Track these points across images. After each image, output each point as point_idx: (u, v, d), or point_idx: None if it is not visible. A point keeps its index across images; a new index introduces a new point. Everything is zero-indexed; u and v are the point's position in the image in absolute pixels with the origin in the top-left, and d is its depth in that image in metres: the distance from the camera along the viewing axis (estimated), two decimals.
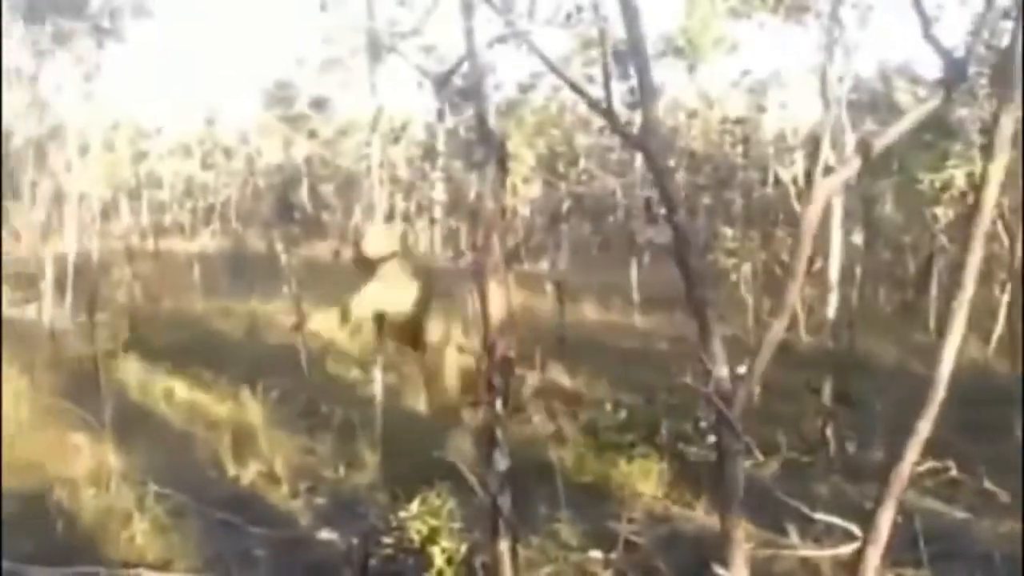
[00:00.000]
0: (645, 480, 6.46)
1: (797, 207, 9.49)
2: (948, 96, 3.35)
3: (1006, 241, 10.15)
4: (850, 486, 6.35)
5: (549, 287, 13.73)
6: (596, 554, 5.04)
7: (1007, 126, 2.89)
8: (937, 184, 9.82)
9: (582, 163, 13.99)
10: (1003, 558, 5.25)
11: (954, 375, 8.93)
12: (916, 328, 11.65)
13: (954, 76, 3.31)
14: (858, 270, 11.02)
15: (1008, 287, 10.11)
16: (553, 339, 10.90)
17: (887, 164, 10.84)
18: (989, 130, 3.01)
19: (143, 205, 22.71)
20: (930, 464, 6.65)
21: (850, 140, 8.20)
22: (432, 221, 16.29)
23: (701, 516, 6.02)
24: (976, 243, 2.97)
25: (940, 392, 3.01)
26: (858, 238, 10.83)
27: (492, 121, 3.96)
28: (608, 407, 7.26)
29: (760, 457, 4.20)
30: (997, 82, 2.98)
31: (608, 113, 3.49)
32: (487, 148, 3.91)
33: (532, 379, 9.04)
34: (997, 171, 2.93)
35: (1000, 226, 9.67)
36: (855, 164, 3.52)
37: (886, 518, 3.09)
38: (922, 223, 11.57)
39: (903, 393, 7.91)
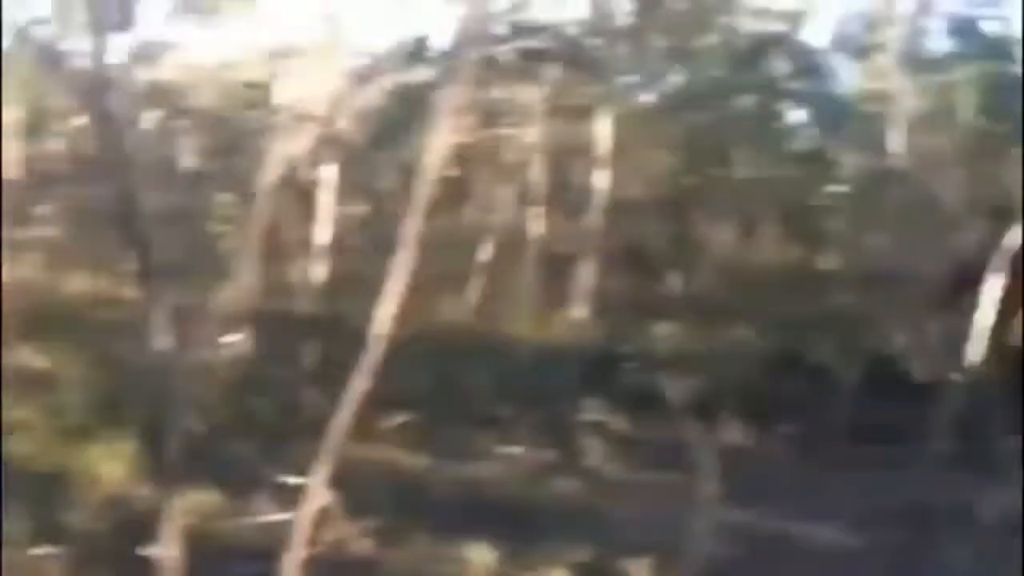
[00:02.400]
0: (110, 462, 6.05)
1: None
2: (408, 70, 3.50)
3: None
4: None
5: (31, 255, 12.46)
6: (43, 550, 4.64)
7: (448, 102, 3.07)
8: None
9: (79, 120, 12.82)
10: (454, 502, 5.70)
11: (429, 332, 9.43)
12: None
13: (416, 53, 3.45)
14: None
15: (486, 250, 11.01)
16: (28, 316, 9.80)
17: (388, 136, 11.34)
18: None
19: None
20: (401, 418, 7.21)
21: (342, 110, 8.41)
22: None
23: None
24: (417, 207, 3.15)
25: (375, 351, 3.17)
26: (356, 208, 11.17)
27: None
28: (73, 388, 6.75)
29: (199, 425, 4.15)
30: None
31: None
32: None
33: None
34: (438, 143, 3.12)
35: None
36: (313, 130, 3.59)
37: (319, 475, 3.22)
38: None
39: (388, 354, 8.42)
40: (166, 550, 3.14)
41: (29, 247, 12.29)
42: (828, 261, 12.18)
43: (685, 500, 4.66)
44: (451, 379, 7.91)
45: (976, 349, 5.75)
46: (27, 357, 8.34)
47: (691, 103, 12.46)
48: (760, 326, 9.31)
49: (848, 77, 16.70)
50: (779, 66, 14.47)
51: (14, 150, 13.07)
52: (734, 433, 6.99)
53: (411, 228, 3.25)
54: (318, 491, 3.33)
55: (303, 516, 3.31)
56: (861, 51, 16.24)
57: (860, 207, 11.66)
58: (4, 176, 11.27)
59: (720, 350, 8.67)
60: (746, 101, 13.34)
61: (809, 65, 14.93)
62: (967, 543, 4.89)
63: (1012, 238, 5.69)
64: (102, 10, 3.28)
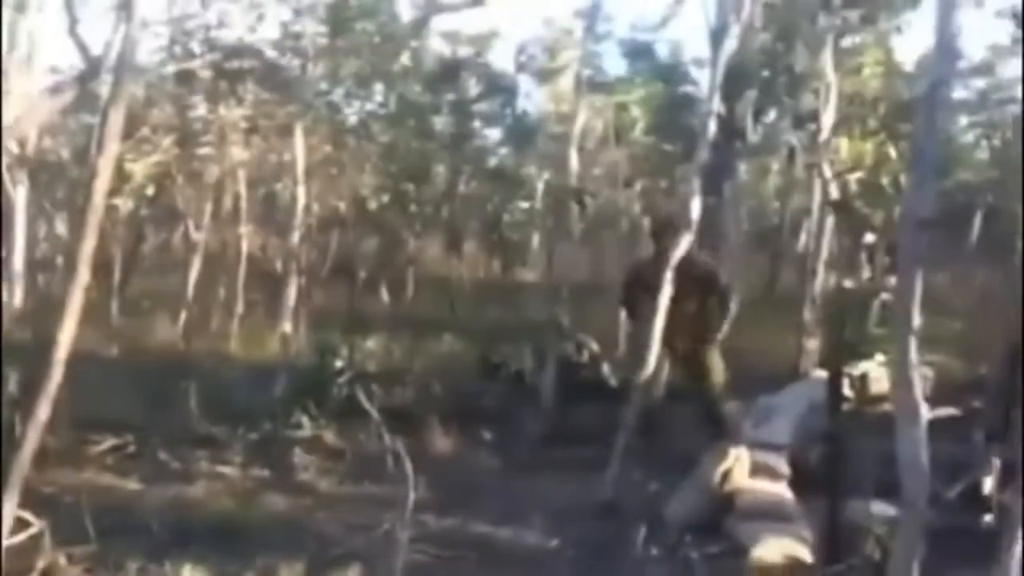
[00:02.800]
0: None
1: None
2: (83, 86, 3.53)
3: None
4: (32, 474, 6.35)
5: None
6: None
7: (113, 121, 3.20)
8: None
9: None
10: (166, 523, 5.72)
11: (143, 353, 9.30)
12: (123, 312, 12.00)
13: (90, 71, 3.53)
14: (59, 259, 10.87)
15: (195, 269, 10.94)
16: None
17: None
18: None
19: None
20: (112, 442, 7.09)
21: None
22: None
23: None
24: (87, 229, 3.28)
25: (55, 376, 3.26)
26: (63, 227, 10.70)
27: None
28: None
29: None
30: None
31: None
32: None
33: None
34: (105, 164, 3.26)
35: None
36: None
37: (9, 499, 3.26)
38: None
39: (93, 377, 8.16)
40: None
41: None
42: (525, 273, 13.07)
43: (393, 510, 4.87)
44: (162, 400, 7.84)
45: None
46: None
47: (389, 122, 12.95)
48: (465, 337, 9.90)
49: (535, 98, 17.95)
50: (470, 87, 15.35)
51: None
52: (441, 441, 7.40)
53: (85, 248, 3.35)
54: (7, 521, 3.37)
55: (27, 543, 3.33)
56: (544, 74, 17.52)
57: (549, 221, 12.60)
58: None
59: (426, 361, 9.15)
60: (441, 121, 14.04)
61: (497, 86, 15.93)
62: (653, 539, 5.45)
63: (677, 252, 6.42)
64: None
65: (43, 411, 3.23)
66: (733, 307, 7.35)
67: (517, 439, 7.51)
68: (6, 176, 8.66)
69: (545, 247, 12.46)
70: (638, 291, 7.11)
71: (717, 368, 7.28)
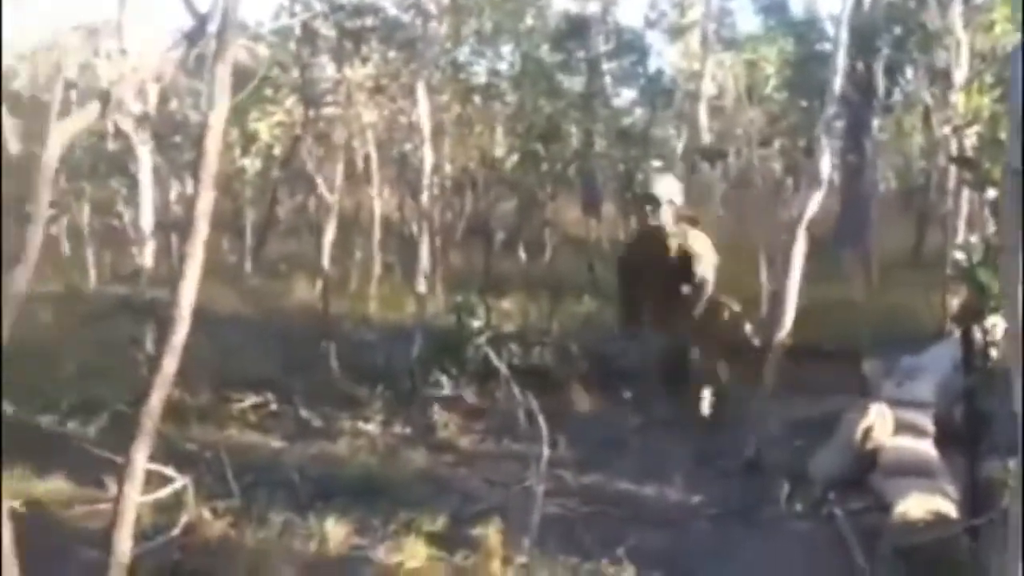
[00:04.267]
0: None
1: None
2: (193, 45, 3.50)
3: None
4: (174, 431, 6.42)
5: None
6: None
7: (221, 77, 3.11)
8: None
9: None
10: (309, 479, 5.69)
11: (282, 314, 9.47)
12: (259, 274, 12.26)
13: (197, 30, 3.44)
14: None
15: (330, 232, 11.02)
16: None
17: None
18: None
19: None
20: (253, 400, 7.15)
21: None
22: None
23: None
24: (202, 186, 3.16)
25: (180, 333, 3.14)
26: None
27: None
28: None
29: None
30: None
31: None
32: None
33: None
34: (217, 119, 3.15)
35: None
36: (92, 111, 3.48)
37: (140, 456, 3.17)
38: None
39: (233, 337, 8.31)
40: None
41: None
42: None
43: (533, 467, 4.74)
44: (302, 360, 7.88)
45: None
46: None
47: (516, 81, 12.70)
48: (603, 297, 9.65)
49: (666, 56, 17.41)
50: (598, 45, 14.93)
51: None
52: (581, 400, 7.21)
53: (202, 203, 3.22)
54: (139, 472, 3.27)
55: (128, 499, 3.23)
56: (674, 30, 16.96)
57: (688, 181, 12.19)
58: None
59: (564, 322, 8.95)
60: (570, 80, 13.70)
61: (627, 44, 15.47)
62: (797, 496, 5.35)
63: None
64: None
65: (169, 365, 3.11)
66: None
67: (657, 397, 7.21)
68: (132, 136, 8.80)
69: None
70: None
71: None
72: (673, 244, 6.98)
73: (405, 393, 7.28)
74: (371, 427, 6.81)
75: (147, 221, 7.73)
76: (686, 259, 6.96)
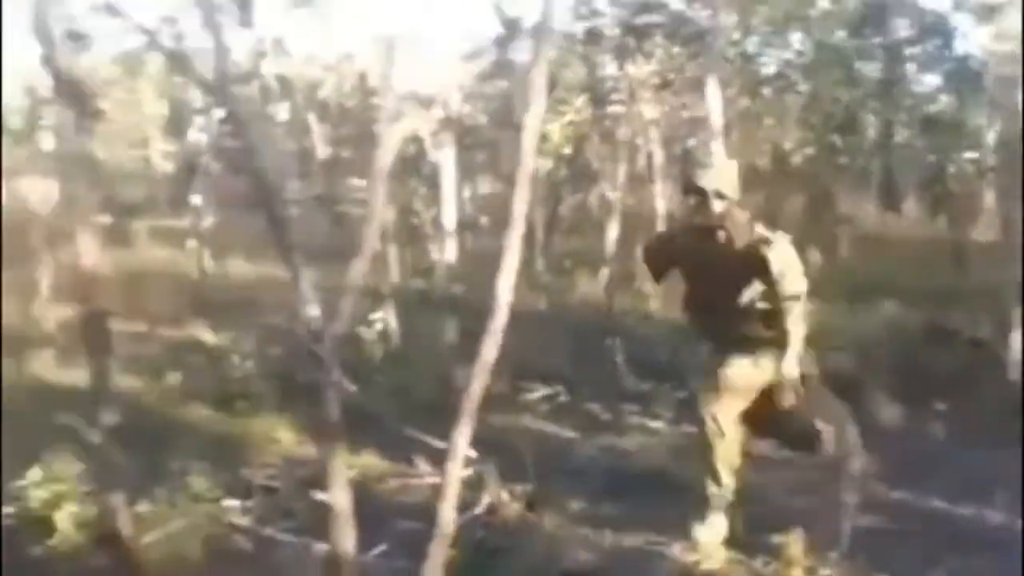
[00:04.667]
0: (281, 429, 6.55)
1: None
2: (502, 50, 3.70)
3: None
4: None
5: (192, 243, 13.28)
6: (231, 502, 5.03)
7: (537, 80, 3.24)
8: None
9: (219, 113, 13.53)
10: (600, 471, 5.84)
11: (568, 309, 9.73)
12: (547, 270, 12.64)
13: (508, 33, 3.63)
14: (484, 218, 11.70)
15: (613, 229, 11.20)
16: (196, 295, 10.67)
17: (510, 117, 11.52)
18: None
19: None
20: (543, 391, 7.42)
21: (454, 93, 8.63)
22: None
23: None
24: (520, 186, 3.31)
25: (499, 320, 3.33)
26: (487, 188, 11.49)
27: (87, 67, 3.78)
28: (236, 359, 7.28)
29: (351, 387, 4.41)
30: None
31: (180, 62, 3.45)
32: (66, 94, 3.72)
33: (169, 333, 8.76)
34: (532, 121, 3.28)
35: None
36: (429, 114, 3.74)
37: (462, 437, 3.39)
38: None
39: (523, 330, 8.62)
40: (337, 496, 3.36)
41: (187, 234, 13.07)
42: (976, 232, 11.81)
43: (830, 476, 4.60)
44: (589, 354, 8.06)
45: None
46: (199, 332, 8.97)
47: (809, 70, 12.24)
48: (907, 301, 9.11)
49: (974, 39, 16.08)
50: (899, 29, 14.09)
51: (160, 145, 13.89)
52: (886, 410, 6.85)
53: (518, 200, 3.35)
54: (461, 453, 3.48)
55: (452, 476, 3.45)
56: (983, 11, 15.65)
57: (1003, 175, 11.26)
58: (158, 169, 12.07)
59: (864, 326, 8.54)
60: (868, 67, 13.02)
61: (931, 28, 14.49)
62: None
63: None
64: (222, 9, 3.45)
65: (489, 352, 3.30)
66: None
67: (976, 411, 6.69)
68: (428, 141, 9.32)
69: (1000, 202, 11.16)
70: None
71: None
72: None
73: (691, 393, 7.23)
74: (660, 424, 6.84)
75: (449, 219, 8.20)
76: None
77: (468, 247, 10.61)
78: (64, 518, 4.78)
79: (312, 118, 14.05)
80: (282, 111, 14.74)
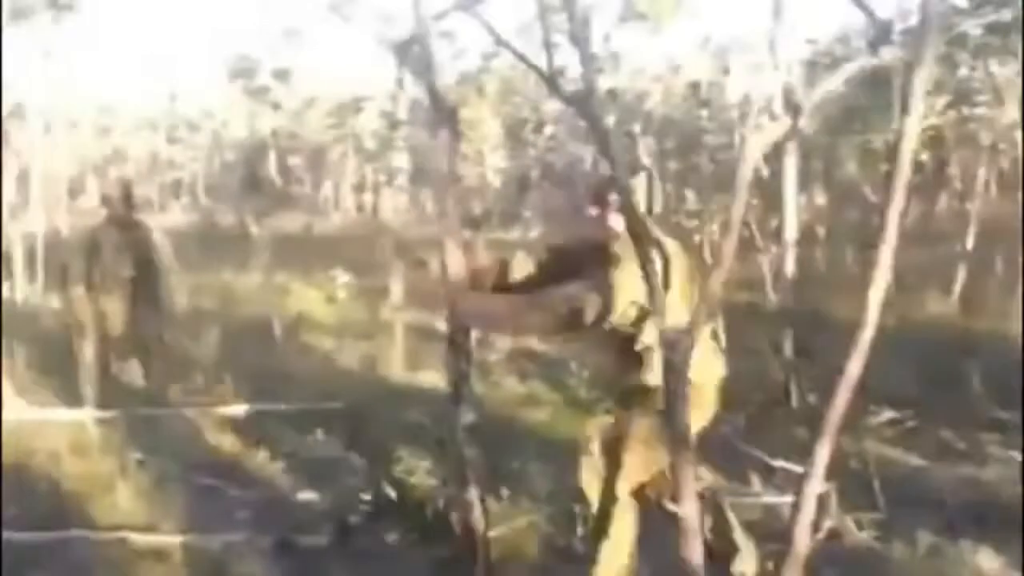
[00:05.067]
0: None
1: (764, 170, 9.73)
2: (875, 54, 3.61)
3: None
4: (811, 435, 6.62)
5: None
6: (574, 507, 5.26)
7: (919, 84, 3.11)
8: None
9: (549, 130, 14.20)
10: (957, 503, 5.50)
11: (915, 327, 9.22)
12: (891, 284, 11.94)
13: (880, 36, 3.53)
14: (820, 229, 11.32)
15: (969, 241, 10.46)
16: None
17: (849, 124, 11.10)
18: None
19: (110, 182, 22.59)
20: (889, 415, 7.05)
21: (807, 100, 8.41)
22: (398, 190, 16.65)
23: None
24: (897, 195, 3.19)
25: (867, 334, 3.23)
26: (821, 198, 11.13)
27: (442, 88, 4.13)
28: (573, 366, 7.58)
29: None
30: (910, 42, 3.14)
31: (549, 79, 3.65)
32: (438, 115, 4.09)
33: (502, 343, 9.29)
34: (912, 126, 3.15)
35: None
36: (785, 122, 3.71)
37: (822, 453, 3.33)
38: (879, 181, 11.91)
39: (877, 350, 8.25)
40: (687, 508, 3.41)
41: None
42: None
43: None
44: (940, 377, 7.58)
45: None
46: (532, 342, 9.49)
47: None
48: None
49: None
50: None
51: (494, 161, 14.85)
52: None
53: (894, 212, 3.21)
54: (820, 471, 3.40)
55: (809, 495, 3.38)
56: None
57: None
58: (490, 183, 12.90)
59: None
60: None
61: None
62: None
63: None
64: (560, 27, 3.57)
65: (854, 367, 3.22)
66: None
67: None
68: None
69: None
70: None
71: None
72: None
73: None
74: (1020, 455, 6.29)
75: (790, 231, 8.03)
76: None
77: (803, 260, 10.31)
78: (416, 509, 5.25)
79: (636, 129, 14.31)
80: (607, 123, 15.27)
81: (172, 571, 4.81)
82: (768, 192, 9.93)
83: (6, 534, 5.01)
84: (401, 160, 13.27)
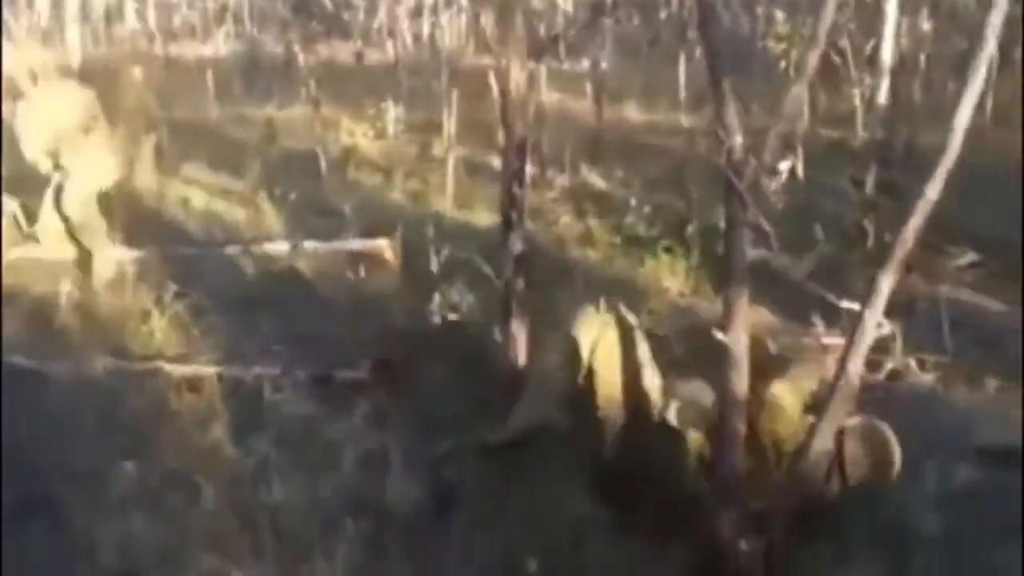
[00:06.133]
0: (670, 276, 6.74)
1: None
2: None
3: None
4: None
5: (589, 87, 13.68)
6: None
7: None
8: None
9: None
10: None
11: (1011, 166, 8.87)
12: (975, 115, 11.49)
13: None
14: (922, 57, 10.84)
15: None
16: (589, 140, 11.06)
17: None
18: None
19: (149, 7, 22.43)
20: (971, 258, 6.93)
21: None
22: (459, 11, 16.23)
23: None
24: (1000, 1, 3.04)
25: (949, 158, 3.13)
26: (927, 24, 10.58)
27: None
28: (634, 204, 7.52)
29: (774, 244, 4.37)
30: None
31: None
32: None
33: (561, 180, 9.25)
34: None
35: None
36: None
37: (886, 282, 3.27)
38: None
39: (952, 182, 7.98)
40: (737, 339, 3.41)
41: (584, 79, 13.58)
42: None
43: None
44: None
45: None
46: (592, 179, 9.45)
47: None
48: None
49: None
50: None
51: None
52: None
53: (995, 20, 3.05)
54: (883, 299, 3.34)
55: (868, 325, 3.33)
56: None
57: None
58: (561, 8, 12.51)
59: None
60: None
61: None
62: None
63: None
64: None
65: (932, 192, 3.13)
66: None
67: None
68: None
69: None
70: None
71: None
72: None
73: None
74: None
75: (887, 55, 7.72)
76: None
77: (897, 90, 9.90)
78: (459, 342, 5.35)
79: None
80: None
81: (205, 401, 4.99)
82: (867, 14, 9.50)
83: (35, 362, 5.23)
84: None
